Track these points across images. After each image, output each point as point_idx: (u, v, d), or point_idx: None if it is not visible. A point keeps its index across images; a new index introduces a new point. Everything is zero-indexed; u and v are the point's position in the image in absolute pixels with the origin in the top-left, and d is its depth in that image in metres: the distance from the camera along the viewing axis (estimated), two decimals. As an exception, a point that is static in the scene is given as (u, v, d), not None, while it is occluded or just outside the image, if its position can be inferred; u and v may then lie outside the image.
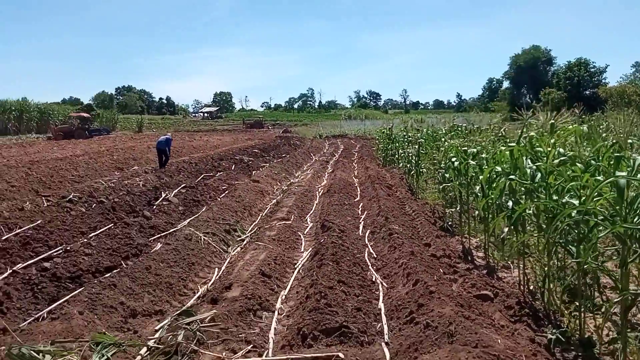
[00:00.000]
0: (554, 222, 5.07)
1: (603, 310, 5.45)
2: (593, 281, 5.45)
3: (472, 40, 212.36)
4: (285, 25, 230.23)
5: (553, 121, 5.91)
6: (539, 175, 5.63)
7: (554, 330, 4.84)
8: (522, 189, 6.12)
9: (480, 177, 7.63)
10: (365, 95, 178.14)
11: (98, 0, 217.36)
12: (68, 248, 7.35)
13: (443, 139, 12.87)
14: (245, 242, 9.19)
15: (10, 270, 6.52)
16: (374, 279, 6.75)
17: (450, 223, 9.92)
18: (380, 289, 6.36)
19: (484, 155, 7.94)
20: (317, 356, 4.44)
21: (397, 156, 18.67)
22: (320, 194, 14.17)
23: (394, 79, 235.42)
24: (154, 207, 10.82)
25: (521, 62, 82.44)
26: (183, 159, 22.32)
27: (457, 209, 9.08)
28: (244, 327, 5.30)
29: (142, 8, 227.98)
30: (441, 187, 10.55)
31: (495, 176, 6.81)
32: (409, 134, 17.33)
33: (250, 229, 10.25)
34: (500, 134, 12.06)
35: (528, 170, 5.83)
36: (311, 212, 11.80)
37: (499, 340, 4.40)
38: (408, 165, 14.76)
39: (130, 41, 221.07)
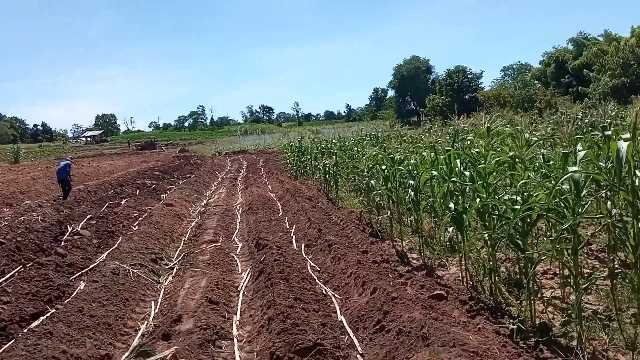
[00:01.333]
0: (502, 218, 5.39)
1: (544, 296, 5.89)
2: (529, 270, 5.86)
3: (356, 53, 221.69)
4: (167, 43, 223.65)
5: (489, 125, 6.27)
6: (477, 176, 5.97)
7: (512, 321, 5.13)
8: (459, 190, 6.46)
9: (412, 182, 7.94)
10: (259, 110, 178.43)
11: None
12: (-19, 298, 6.45)
13: (356, 148, 13.21)
14: (174, 270, 8.69)
15: None
16: (324, 292, 6.71)
17: (379, 229, 10.16)
18: (334, 301, 6.33)
19: (412, 161, 8.25)
20: (299, 379, 4.30)
21: (309, 168, 18.84)
22: (241, 211, 13.86)
23: (285, 93, 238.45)
24: (64, 242, 9.89)
25: (404, 71, 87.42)
26: (78, 188, 20.65)
27: (388, 214, 9.33)
28: None
29: (6, 28, 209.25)
30: (371, 194, 10.78)
31: (430, 179, 7.12)
32: (322, 146, 17.56)
33: (176, 255, 9.73)
34: (410, 140, 12.64)
35: (467, 173, 6.15)
36: (236, 231, 11.48)
37: (471, 337, 4.57)
38: (325, 176, 14.94)
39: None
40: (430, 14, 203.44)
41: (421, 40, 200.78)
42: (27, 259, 9.04)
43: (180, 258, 9.39)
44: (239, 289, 7.43)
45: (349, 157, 13.26)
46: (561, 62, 54.42)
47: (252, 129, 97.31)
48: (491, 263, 5.95)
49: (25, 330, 5.67)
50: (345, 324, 5.50)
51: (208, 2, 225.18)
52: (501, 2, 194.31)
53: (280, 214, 12.50)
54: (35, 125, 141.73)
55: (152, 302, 7.11)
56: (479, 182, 5.90)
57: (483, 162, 5.92)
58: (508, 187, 6.13)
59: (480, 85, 56.28)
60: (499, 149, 6.22)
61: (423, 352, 4.29)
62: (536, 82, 64.14)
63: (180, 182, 22.34)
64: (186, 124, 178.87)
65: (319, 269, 7.76)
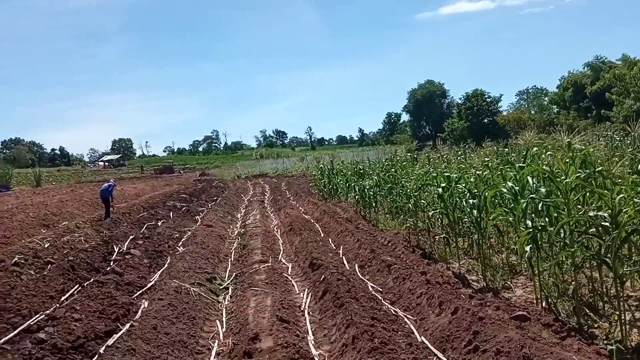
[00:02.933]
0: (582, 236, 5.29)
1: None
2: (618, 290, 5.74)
3: (368, 77, 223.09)
4: (179, 67, 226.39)
5: (569, 140, 6.24)
6: (557, 191, 5.90)
7: (607, 342, 5.00)
8: (531, 208, 6.39)
9: (472, 200, 7.87)
10: (272, 135, 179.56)
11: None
12: (52, 315, 6.46)
13: (394, 169, 13.20)
14: (229, 289, 8.66)
15: (-5, 348, 5.57)
16: (394, 313, 6.60)
17: (430, 250, 10.06)
18: (408, 321, 6.22)
19: (472, 179, 8.20)
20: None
21: (340, 190, 18.84)
22: (280, 233, 13.83)
23: (298, 117, 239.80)
24: (117, 262, 9.90)
25: (418, 95, 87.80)
26: (111, 210, 20.82)
27: (442, 235, 9.23)
28: (296, 378, 4.92)
29: (21, 55, 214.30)
30: (419, 215, 10.68)
31: (499, 197, 7.04)
32: (358, 167, 17.57)
33: (227, 275, 9.70)
34: (456, 160, 12.61)
35: (543, 189, 6.09)
36: (281, 252, 11.42)
37: (574, 357, 4.45)
38: (362, 198, 14.90)
39: (13, 91, 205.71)
40: (443, 39, 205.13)
41: (435, 64, 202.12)
42: (83, 277, 9.07)
43: (232, 278, 9.35)
44: (302, 308, 7.36)
45: (390, 177, 13.22)
46: (579, 86, 54.29)
47: (268, 153, 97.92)
48: (573, 283, 5.84)
49: (103, 347, 5.64)
50: (429, 345, 5.40)
51: (222, 26, 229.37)
52: (514, 26, 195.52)
53: (322, 235, 12.44)
54: (52, 150, 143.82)
55: (217, 321, 7.07)
56: (559, 198, 5.83)
57: (562, 178, 5.85)
58: (587, 205, 6.05)
59: (499, 109, 56.40)
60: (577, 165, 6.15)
61: (529, 372, 4.18)
62: (554, 106, 64.05)
63: (210, 205, 22.42)
64: (200, 149, 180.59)
65: (381, 290, 7.66)
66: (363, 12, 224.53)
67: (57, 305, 7.35)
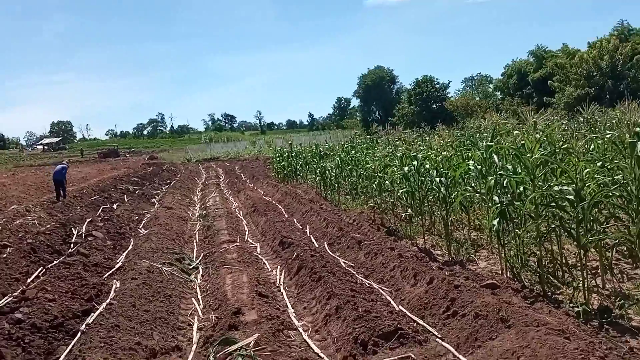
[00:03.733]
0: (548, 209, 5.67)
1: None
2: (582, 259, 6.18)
3: (318, 62, 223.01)
4: (124, 48, 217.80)
5: (534, 120, 6.60)
6: (523, 168, 6.27)
7: (572, 305, 5.42)
8: (499, 184, 6.75)
9: (439, 179, 8.20)
10: (220, 118, 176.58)
11: None
12: (23, 296, 6.27)
13: (361, 152, 13.45)
14: (200, 268, 8.64)
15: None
16: (369, 285, 6.82)
17: (393, 228, 10.38)
18: (383, 292, 6.46)
19: (438, 159, 8.52)
20: (390, 360, 4.42)
21: (301, 172, 18.96)
22: (244, 214, 13.82)
23: (247, 101, 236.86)
24: (79, 244, 9.64)
25: (369, 81, 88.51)
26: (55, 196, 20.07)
27: (407, 212, 9.54)
28: (283, 347, 5.06)
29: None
30: (398, 193, 10.86)
31: (464, 175, 7.38)
32: (319, 149, 17.70)
33: (195, 255, 9.65)
34: (415, 143, 12.98)
35: (509, 166, 6.45)
36: (247, 232, 11.46)
37: (548, 318, 4.80)
38: (323, 180, 15.08)
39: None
40: (391, 25, 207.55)
41: (384, 50, 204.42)
42: (45, 260, 8.78)
43: (201, 257, 9.32)
44: (277, 284, 7.47)
45: (352, 159, 13.45)
46: (523, 73, 56.45)
47: (218, 137, 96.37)
48: (537, 254, 6.24)
49: (84, 326, 5.57)
50: (407, 313, 5.65)
51: (169, 7, 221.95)
52: (461, 15, 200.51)
53: (287, 216, 12.53)
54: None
55: (193, 299, 7.08)
56: (524, 175, 6.19)
57: (528, 155, 6.21)
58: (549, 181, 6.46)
59: (447, 95, 57.86)
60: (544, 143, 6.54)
61: (508, 333, 4.49)
62: (498, 92, 66.37)
63: (164, 188, 22.03)
64: (145, 132, 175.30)
65: (353, 265, 7.87)
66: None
67: (24, 287, 7.11)
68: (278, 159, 22.64)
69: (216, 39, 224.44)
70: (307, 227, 10.91)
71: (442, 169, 8.28)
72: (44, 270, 8.16)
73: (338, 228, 9.76)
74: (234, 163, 41.34)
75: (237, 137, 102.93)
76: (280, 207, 14.03)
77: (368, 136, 18.38)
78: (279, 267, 8.35)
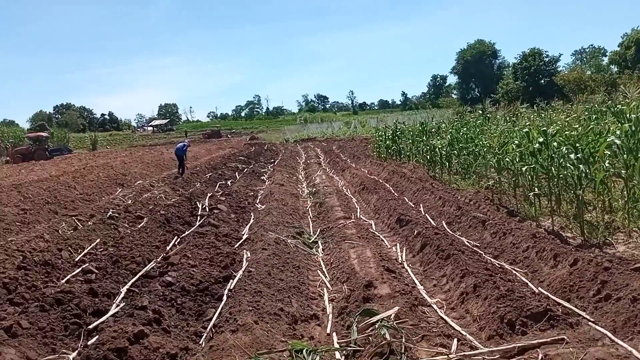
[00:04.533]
0: None
1: None
2: None
3: (412, 38, 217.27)
4: (222, 31, 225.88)
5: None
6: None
7: None
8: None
9: (573, 155, 7.66)
10: (314, 99, 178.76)
11: (26, 17, 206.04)
12: (169, 261, 6.79)
13: (475, 129, 12.95)
14: (319, 243, 8.83)
15: (125, 289, 5.94)
16: (500, 266, 6.59)
17: (515, 208, 9.93)
18: (517, 274, 6.20)
19: (574, 133, 7.98)
20: (543, 341, 4.24)
21: (404, 151, 18.76)
22: (351, 192, 13.93)
23: (339, 81, 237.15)
24: (208, 216, 10.25)
25: (468, 56, 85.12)
26: (177, 171, 21.48)
27: (533, 192, 9.05)
28: (421, 322, 5.03)
29: (71, 22, 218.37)
30: (522, 170, 10.36)
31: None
32: (429, 127, 17.38)
33: (311, 230, 9.89)
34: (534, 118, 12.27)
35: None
36: (358, 210, 11.51)
37: None
38: (432, 158, 14.77)
39: (63, 57, 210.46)
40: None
41: (484, 23, 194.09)
42: (178, 230, 9.46)
43: (319, 232, 9.52)
44: (399, 261, 7.45)
45: (463, 136, 13.01)
46: (643, 44, 51.39)
47: (312, 117, 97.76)
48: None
49: (226, 290, 5.93)
50: (550, 295, 5.39)
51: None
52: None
53: (397, 195, 12.43)
54: (102, 115, 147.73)
55: (318, 271, 7.27)
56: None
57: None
58: None
59: (557, 69, 54.02)
60: None
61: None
62: (613, 66, 60.92)
63: (269, 166, 22.77)
64: (243, 114, 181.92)
65: (478, 245, 7.63)
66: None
67: (165, 253, 7.71)
68: (381, 137, 22.50)
69: (308, 19, 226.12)
70: (421, 205, 10.75)
71: (578, 145, 7.74)
72: (178, 239, 8.79)
73: (456, 207, 9.52)
74: (331, 143, 41.70)
75: (331, 117, 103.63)
76: (388, 185, 13.95)
77: (480, 112, 17.65)
78: (398, 244, 8.32)
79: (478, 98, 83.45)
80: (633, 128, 6.53)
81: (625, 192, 8.68)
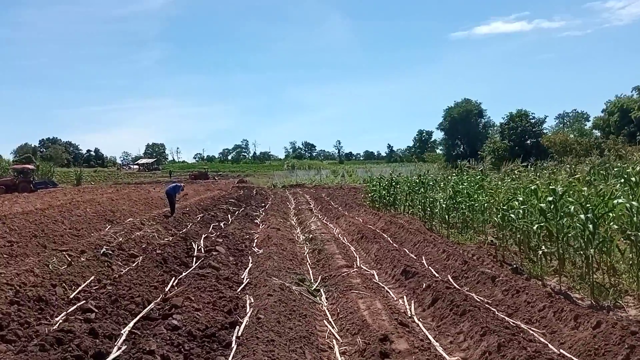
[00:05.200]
0: None
1: None
2: None
3: (400, 93, 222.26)
4: (214, 77, 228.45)
5: None
6: None
7: None
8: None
9: (583, 216, 7.64)
10: (301, 146, 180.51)
11: (15, 51, 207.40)
12: (172, 303, 6.46)
13: (465, 185, 13.01)
14: (322, 291, 8.55)
15: (127, 331, 5.59)
16: (515, 324, 6.38)
17: (519, 265, 9.81)
18: (535, 334, 6.00)
19: (584, 194, 7.98)
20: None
21: (400, 202, 18.74)
22: (349, 240, 13.73)
23: (326, 130, 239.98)
24: (206, 258, 9.94)
25: (455, 114, 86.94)
26: (167, 210, 21.11)
27: (542, 250, 8.96)
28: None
29: (63, 58, 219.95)
30: (534, 228, 10.26)
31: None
32: (428, 179, 17.42)
33: (312, 277, 9.61)
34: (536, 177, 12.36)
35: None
36: (357, 259, 11.29)
37: None
38: (430, 210, 14.72)
39: (52, 92, 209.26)
40: (478, 58, 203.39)
41: (470, 83, 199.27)
42: (175, 270, 9.13)
43: (320, 280, 9.25)
44: (409, 314, 7.21)
45: (469, 190, 13.03)
46: (625, 110, 53.14)
47: (300, 164, 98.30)
48: None
49: (234, 337, 5.63)
50: (574, 358, 5.19)
51: (257, 38, 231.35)
52: (552, 48, 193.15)
53: (396, 246, 12.26)
54: (88, 151, 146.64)
55: (325, 321, 6.98)
56: None
57: None
58: None
59: (543, 131, 55.45)
60: None
61: None
62: (596, 130, 62.75)
63: (261, 210, 22.53)
64: (229, 157, 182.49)
65: (489, 301, 7.44)
66: (397, 29, 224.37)
67: (163, 295, 7.38)
68: (375, 187, 22.50)
69: (301, 69, 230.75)
70: (423, 258, 10.57)
71: (588, 205, 7.73)
72: (176, 280, 8.45)
73: (462, 261, 9.36)
74: (320, 190, 41.68)
75: (318, 165, 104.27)
76: (385, 235, 13.77)
77: (480, 169, 17.84)
78: (405, 296, 8.10)
79: (463, 154, 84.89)
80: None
81: (632, 255, 8.66)
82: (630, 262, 8.55)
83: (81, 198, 30.15)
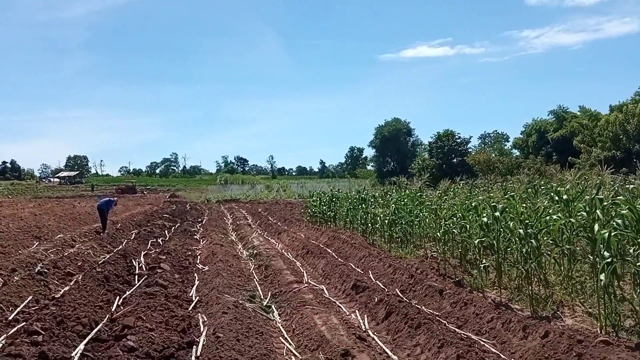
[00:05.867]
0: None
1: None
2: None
3: (332, 111, 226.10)
4: (141, 88, 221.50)
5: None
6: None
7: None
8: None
9: (522, 231, 8.12)
10: (233, 161, 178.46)
11: None
12: (125, 323, 6.17)
13: (411, 201, 13.48)
14: (273, 307, 8.49)
15: (79, 354, 5.29)
16: (467, 336, 6.64)
17: (460, 279, 10.22)
18: (486, 345, 6.28)
19: (522, 210, 8.49)
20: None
21: (340, 217, 19.02)
22: (294, 255, 13.71)
23: (258, 145, 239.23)
24: (146, 276, 9.58)
25: (385, 132, 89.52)
26: (98, 226, 20.12)
27: (482, 263, 9.39)
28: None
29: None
30: (475, 242, 10.68)
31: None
32: (369, 196, 17.75)
33: (262, 294, 9.51)
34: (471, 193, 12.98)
35: (619, 220, 6.40)
36: (304, 274, 11.31)
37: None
38: (370, 226, 15.04)
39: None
40: (406, 80, 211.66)
41: (398, 103, 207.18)
42: (119, 289, 8.73)
43: (270, 297, 9.17)
44: (363, 329, 7.30)
45: (405, 206, 13.44)
46: (542, 132, 57.02)
47: (233, 179, 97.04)
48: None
49: (194, 357, 5.47)
50: (523, 364, 5.48)
51: (187, 51, 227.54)
52: (473, 73, 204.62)
53: (341, 260, 12.40)
54: (4, 163, 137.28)
55: (281, 337, 6.93)
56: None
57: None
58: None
59: (468, 150, 58.31)
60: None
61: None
62: (515, 150, 66.84)
63: (198, 226, 22.03)
64: (158, 170, 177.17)
65: (437, 314, 7.70)
66: (329, 48, 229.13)
67: (109, 315, 7.04)
68: (315, 202, 22.65)
69: (231, 83, 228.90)
70: (370, 272, 10.77)
71: (527, 221, 8.22)
72: (120, 299, 8.09)
73: (408, 275, 9.63)
74: (255, 205, 41.33)
75: (252, 180, 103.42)
76: (329, 250, 13.90)
77: (418, 186, 18.48)
78: (357, 311, 8.20)
79: (394, 171, 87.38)
80: (588, 208, 7.08)
81: (562, 268, 9.30)
82: (562, 274, 9.19)
83: (0, 213, 28.12)
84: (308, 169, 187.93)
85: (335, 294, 9.50)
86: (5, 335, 5.87)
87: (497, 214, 8.71)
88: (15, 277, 8.70)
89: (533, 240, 7.91)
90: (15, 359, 4.73)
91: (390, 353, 6.26)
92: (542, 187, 14.61)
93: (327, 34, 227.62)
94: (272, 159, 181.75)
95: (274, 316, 8.03)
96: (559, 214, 8.23)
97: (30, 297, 7.66)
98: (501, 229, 8.90)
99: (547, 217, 8.28)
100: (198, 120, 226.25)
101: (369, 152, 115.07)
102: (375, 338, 6.87)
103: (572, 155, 44.79)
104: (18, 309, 7.02)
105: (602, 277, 6.45)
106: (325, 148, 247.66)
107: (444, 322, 7.20)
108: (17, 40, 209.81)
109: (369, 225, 15.35)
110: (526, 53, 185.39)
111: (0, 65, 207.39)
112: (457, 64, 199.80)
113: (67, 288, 8.33)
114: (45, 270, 9.41)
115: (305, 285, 9.59)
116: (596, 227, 6.67)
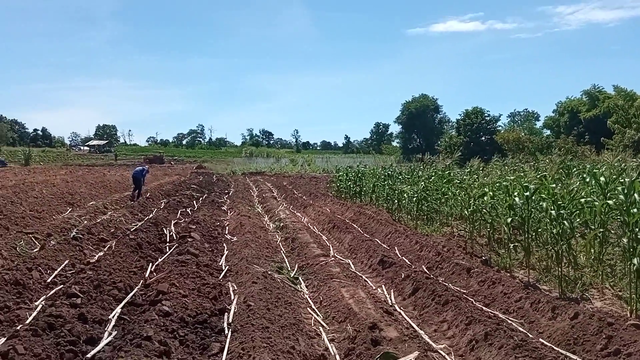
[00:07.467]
0: None
1: None
2: None
3: (359, 86, 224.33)
4: (169, 59, 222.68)
5: None
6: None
7: None
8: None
9: (554, 212, 8.01)
10: (258, 134, 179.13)
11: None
12: (159, 289, 6.36)
13: (441, 179, 13.39)
14: (300, 279, 8.63)
15: (116, 317, 5.49)
16: (494, 314, 6.66)
17: (487, 258, 10.18)
18: (513, 324, 6.28)
19: (557, 191, 8.36)
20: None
21: (363, 192, 19.12)
22: (320, 229, 13.82)
23: (283, 119, 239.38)
24: (177, 244, 9.80)
25: (412, 108, 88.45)
26: (129, 194, 20.58)
27: (512, 244, 9.31)
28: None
29: (8, 32, 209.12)
30: (507, 221, 10.56)
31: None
32: (389, 172, 17.74)
33: (288, 266, 9.65)
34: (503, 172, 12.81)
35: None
36: (331, 248, 11.41)
37: None
38: (398, 203, 15.03)
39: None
40: (434, 55, 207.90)
41: (425, 79, 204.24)
42: (151, 256, 8.97)
43: (297, 269, 9.31)
44: (389, 303, 7.37)
45: (433, 184, 13.38)
46: (574, 112, 55.58)
47: (258, 151, 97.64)
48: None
49: (225, 324, 5.63)
50: (554, 347, 5.47)
51: (216, 24, 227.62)
52: (505, 49, 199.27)
53: (367, 235, 12.45)
54: (35, 130, 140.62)
55: (308, 308, 7.06)
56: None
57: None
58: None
59: (497, 128, 57.32)
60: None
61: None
62: (546, 130, 65.39)
63: (225, 197, 22.31)
64: (184, 142, 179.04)
65: (466, 292, 7.71)
66: (356, 21, 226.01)
67: (143, 280, 7.26)
68: (341, 177, 22.69)
69: (258, 57, 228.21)
70: (396, 248, 10.80)
71: (560, 202, 8.10)
72: (153, 266, 8.31)
73: (435, 252, 9.63)
74: (280, 178, 41.55)
75: (276, 153, 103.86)
76: (355, 226, 13.95)
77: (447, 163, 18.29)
78: (383, 285, 8.27)
79: (419, 148, 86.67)
80: (625, 191, 6.93)
81: (593, 250, 9.16)
82: (593, 257, 9.07)
83: (34, 179, 28.92)
84: (332, 143, 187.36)
85: (362, 269, 9.58)
86: (45, 296, 6.13)
87: (528, 194, 8.59)
88: (51, 242, 9.00)
89: (566, 222, 7.80)
90: (57, 320, 4.93)
91: (417, 328, 6.31)
92: (575, 168, 14.31)
93: (354, 7, 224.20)
94: (297, 132, 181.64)
95: (301, 287, 8.17)
96: (593, 196, 8.07)
97: (66, 261, 7.94)
98: (532, 210, 8.80)
99: (583, 200, 8.14)
100: (223, 92, 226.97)
101: (395, 129, 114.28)
102: (402, 313, 6.93)
103: (605, 136, 43.60)
104: (55, 272, 7.29)
105: (635, 260, 6.36)
106: (350, 123, 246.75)
107: (471, 300, 7.22)
108: (48, 9, 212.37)
109: (395, 201, 15.32)
110: (560, 29, 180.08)
111: (30, 34, 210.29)
112: (487, 39, 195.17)
113: (101, 253, 8.60)
114: (80, 236, 9.71)
115: (332, 258, 9.69)
116: (635, 210, 6.54)
